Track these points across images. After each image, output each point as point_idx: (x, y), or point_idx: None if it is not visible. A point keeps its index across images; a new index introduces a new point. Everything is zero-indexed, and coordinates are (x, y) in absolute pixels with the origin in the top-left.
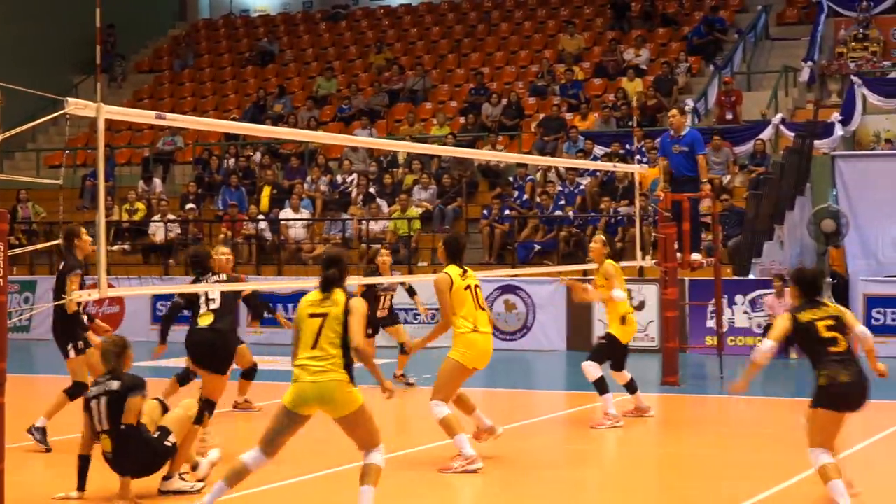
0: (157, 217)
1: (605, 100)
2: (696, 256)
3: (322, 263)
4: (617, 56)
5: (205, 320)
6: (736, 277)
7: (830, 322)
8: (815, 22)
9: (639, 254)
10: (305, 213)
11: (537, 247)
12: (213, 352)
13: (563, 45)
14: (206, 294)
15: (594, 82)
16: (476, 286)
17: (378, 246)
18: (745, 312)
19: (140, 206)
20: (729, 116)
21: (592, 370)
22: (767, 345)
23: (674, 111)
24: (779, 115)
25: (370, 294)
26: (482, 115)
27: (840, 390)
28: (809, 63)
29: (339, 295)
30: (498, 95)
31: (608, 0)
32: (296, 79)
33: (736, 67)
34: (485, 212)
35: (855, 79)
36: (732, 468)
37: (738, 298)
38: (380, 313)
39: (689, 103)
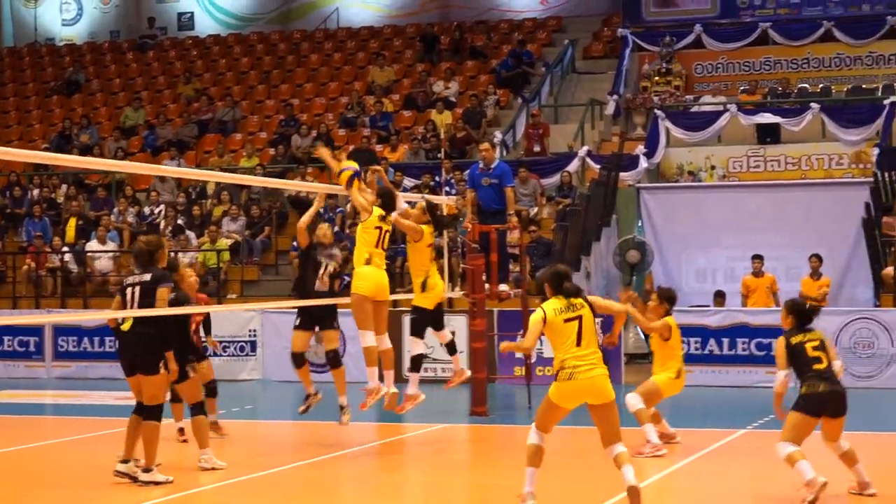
0: None
1: (414, 132)
2: (503, 287)
3: (554, 278)
4: (426, 88)
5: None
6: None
7: (816, 343)
8: (620, 56)
9: (447, 285)
10: (112, 245)
11: (347, 278)
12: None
13: (372, 77)
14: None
15: (404, 114)
16: None
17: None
18: None
19: None
20: (536, 149)
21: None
22: (782, 374)
23: (486, 145)
24: (585, 148)
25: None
26: (292, 146)
27: (818, 399)
28: (615, 96)
29: (582, 300)
30: (308, 127)
31: (418, 33)
32: (102, 109)
33: (543, 100)
34: (294, 244)
35: (659, 112)
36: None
37: None
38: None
39: (498, 135)
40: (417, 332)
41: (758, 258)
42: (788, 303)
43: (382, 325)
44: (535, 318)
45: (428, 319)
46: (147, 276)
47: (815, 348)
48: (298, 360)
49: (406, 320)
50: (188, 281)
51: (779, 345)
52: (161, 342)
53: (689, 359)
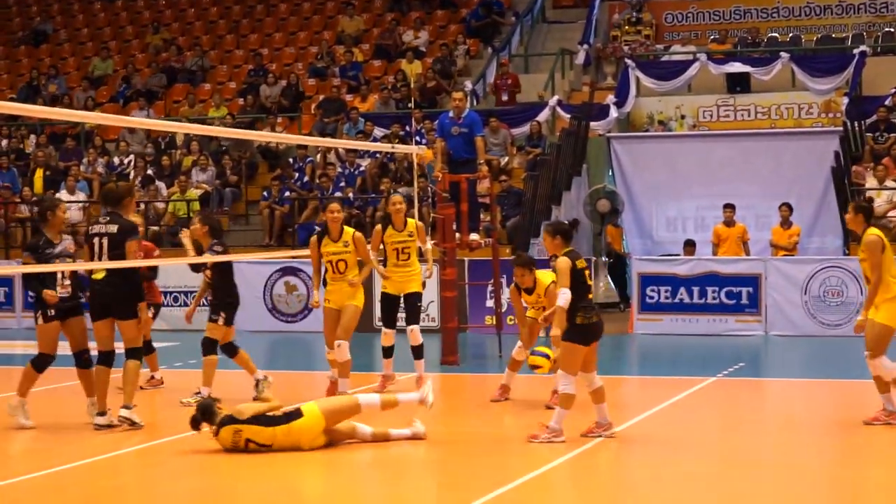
0: None
1: (384, 81)
2: (474, 237)
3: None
4: (396, 38)
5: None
6: (514, 257)
7: (588, 272)
8: (590, 5)
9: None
10: (81, 196)
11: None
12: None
13: (342, 27)
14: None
15: (374, 64)
16: None
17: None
18: None
19: None
20: (505, 98)
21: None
22: (567, 294)
23: (459, 94)
24: (555, 98)
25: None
26: (261, 96)
27: (593, 329)
28: (585, 46)
29: None
30: (277, 77)
31: None
32: (71, 59)
33: (514, 50)
34: (265, 193)
35: (629, 62)
36: (510, 444)
37: None
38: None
39: (468, 85)
40: (382, 320)
41: (729, 207)
42: (553, 225)
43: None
44: (565, 266)
45: (392, 306)
46: (114, 228)
47: (589, 276)
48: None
49: None
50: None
51: (563, 264)
52: (135, 291)
53: (660, 307)
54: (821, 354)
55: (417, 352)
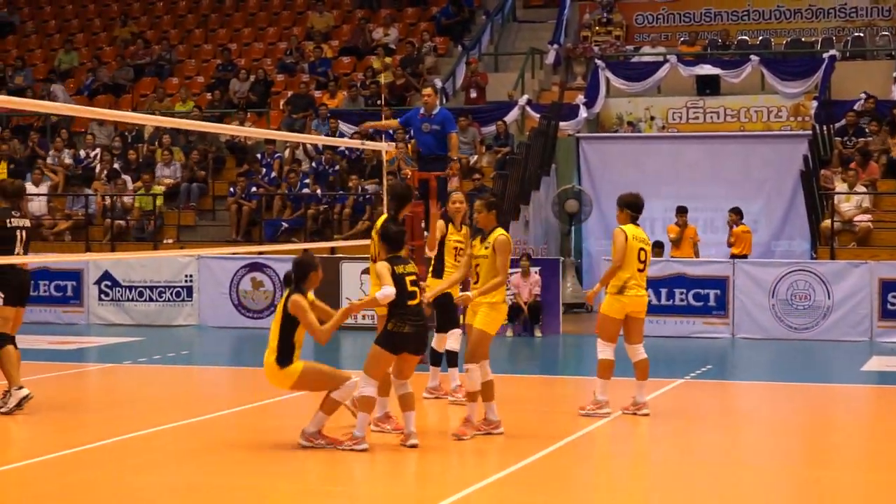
0: None
1: (353, 78)
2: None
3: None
4: (366, 35)
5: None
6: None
7: (413, 277)
8: (560, 5)
9: None
10: (48, 188)
11: (284, 224)
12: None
13: (311, 23)
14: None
15: (343, 60)
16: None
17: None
18: None
19: None
20: (473, 95)
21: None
22: (390, 290)
23: (429, 90)
24: (525, 97)
25: None
26: (230, 91)
27: (402, 338)
28: (555, 46)
29: None
30: (246, 72)
31: None
32: (37, 51)
33: (484, 48)
34: (231, 189)
35: (599, 62)
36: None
37: None
38: None
39: (438, 83)
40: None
41: (682, 212)
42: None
43: None
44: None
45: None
46: (27, 222)
47: (413, 283)
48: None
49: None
50: None
51: (382, 268)
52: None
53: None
54: (787, 357)
55: (452, 358)
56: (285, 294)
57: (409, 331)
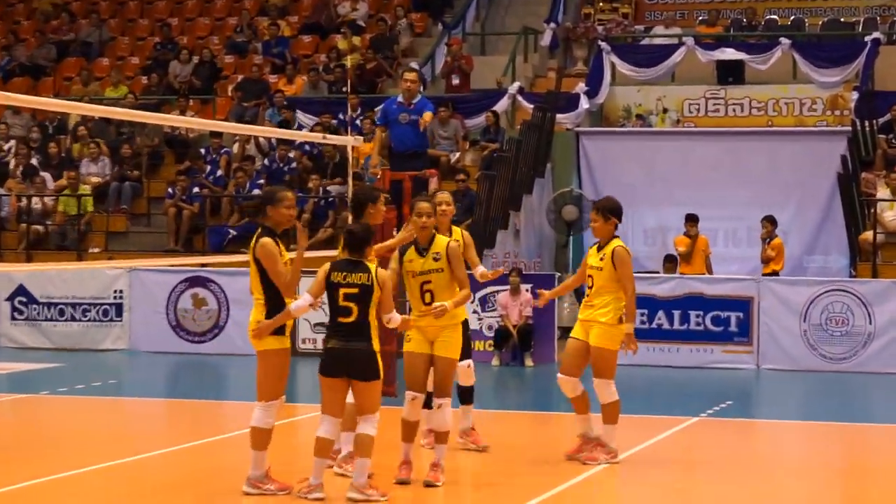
0: None
1: (315, 61)
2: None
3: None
4: (330, 10)
5: None
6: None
7: (353, 291)
8: None
9: None
10: None
11: (232, 232)
12: None
13: None
14: None
15: (303, 40)
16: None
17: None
18: (475, 312)
19: None
20: (456, 82)
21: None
22: (303, 302)
23: (412, 75)
24: (516, 84)
25: None
26: (169, 74)
27: (325, 356)
28: (552, 25)
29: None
30: (189, 52)
31: None
32: None
33: (468, 28)
34: (170, 190)
35: (603, 45)
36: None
37: None
38: None
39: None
40: None
41: (692, 220)
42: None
43: None
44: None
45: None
46: None
47: (347, 297)
48: None
49: None
50: None
51: (322, 273)
52: None
53: (635, 334)
54: (821, 392)
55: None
56: (254, 237)
57: (332, 345)
